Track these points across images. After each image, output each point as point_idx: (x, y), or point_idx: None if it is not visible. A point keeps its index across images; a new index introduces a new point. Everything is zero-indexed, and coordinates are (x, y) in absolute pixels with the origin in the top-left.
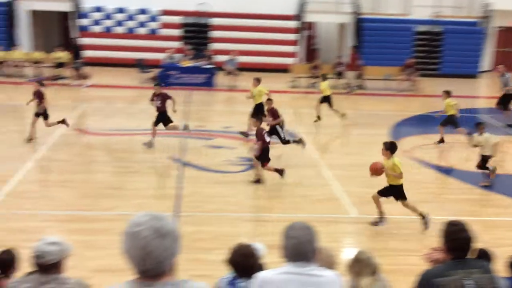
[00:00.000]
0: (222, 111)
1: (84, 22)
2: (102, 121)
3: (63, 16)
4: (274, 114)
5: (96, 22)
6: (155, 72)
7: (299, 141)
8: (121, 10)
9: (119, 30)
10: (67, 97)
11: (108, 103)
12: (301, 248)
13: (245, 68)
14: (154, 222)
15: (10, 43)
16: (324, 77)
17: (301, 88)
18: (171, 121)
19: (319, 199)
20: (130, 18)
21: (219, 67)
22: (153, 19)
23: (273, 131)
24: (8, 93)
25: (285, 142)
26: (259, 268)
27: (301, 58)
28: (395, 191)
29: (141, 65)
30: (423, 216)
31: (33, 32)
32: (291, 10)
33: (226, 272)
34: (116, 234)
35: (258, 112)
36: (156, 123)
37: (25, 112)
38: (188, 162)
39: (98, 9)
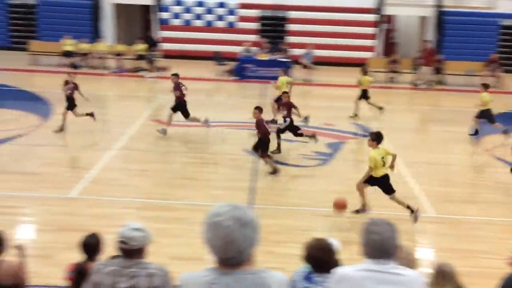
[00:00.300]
0: (297, 105)
1: (165, 15)
2: (179, 113)
3: (145, 10)
4: (289, 107)
5: (176, 16)
6: (231, 65)
7: (312, 136)
8: (200, 4)
9: (198, 23)
10: (146, 89)
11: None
12: (383, 245)
13: (321, 62)
14: (235, 212)
15: (95, 35)
16: (365, 71)
17: (378, 83)
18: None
19: None
20: (209, 11)
21: (295, 61)
22: (231, 12)
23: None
24: (92, 83)
25: (298, 134)
26: (335, 263)
27: (379, 52)
28: (378, 183)
29: (218, 58)
30: (412, 210)
31: (117, 25)
32: (370, 3)
33: (299, 266)
34: (190, 223)
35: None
36: (174, 110)
37: (107, 102)
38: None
39: (178, 3)
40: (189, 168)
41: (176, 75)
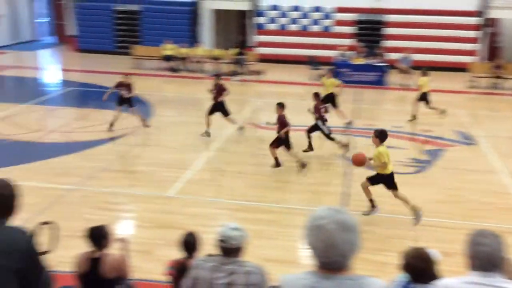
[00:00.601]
0: (393, 110)
1: (261, 20)
2: (273, 116)
3: (241, 15)
4: (317, 110)
5: (272, 20)
6: (326, 69)
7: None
8: (296, 8)
9: (293, 27)
10: (242, 92)
11: (279, 99)
12: (491, 257)
13: (419, 66)
14: (338, 216)
15: (194, 40)
16: (424, 73)
17: (480, 88)
18: (228, 113)
19: (498, 208)
20: (305, 16)
21: (392, 65)
22: (327, 16)
23: (316, 127)
24: (190, 87)
25: (329, 137)
26: (435, 274)
27: (482, 57)
28: (383, 180)
29: (313, 62)
30: (415, 210)
31: (214, 30)
32: (472, 6)
33: (395, 275)
34: (284, 226)
35: (327, 101)
36: (210, 113)
37: (205, 105)
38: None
39: (275, 8)
40: (283, 171)
41: (217, 75)
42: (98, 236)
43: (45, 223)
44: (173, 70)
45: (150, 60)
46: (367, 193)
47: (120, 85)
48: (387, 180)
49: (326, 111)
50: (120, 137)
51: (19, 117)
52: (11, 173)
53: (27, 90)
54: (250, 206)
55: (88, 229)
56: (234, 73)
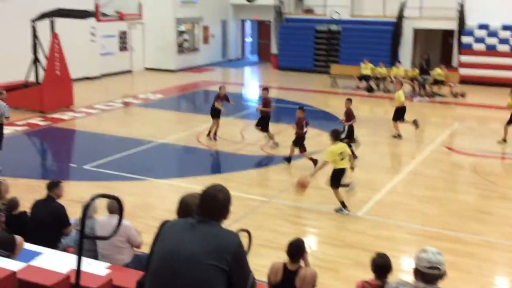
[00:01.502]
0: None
1: (467, 40)
2: (473, 141)
3: (444, 34)
4: (349, 115)
5: (479, 40)
6: None
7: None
8: (507, 28)
9: (502, 48)
10: (442, 115)
11: (481, 123)
12: None
13: None
14: None
15: (392, 60)
16: None
17: None
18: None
19: None
20: None
21: None
22: None
23: (349, 132)
24: (385, 107)
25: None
26: None
27: None
28: (336, 174)
29: None
30: (343, 205)
31: (413, 50)
32: None
33: None
34: (481, 260)
35: (398, 114)
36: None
37: (400, 126)
38: None
39: (483, 27)
40: (482, 201)
41: (265, 89)
42: (298, 249)
43: (242, 230)
44: (369, 89)
45: (347, 79)
46: (338, 195)
47: (218, 98)
48: (335, 175)
49: None
50: (313, 154)
51: (221, 129)
52: (213, 182)
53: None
54: (444, 234)
55: (289, 242)
56: (433, 95)
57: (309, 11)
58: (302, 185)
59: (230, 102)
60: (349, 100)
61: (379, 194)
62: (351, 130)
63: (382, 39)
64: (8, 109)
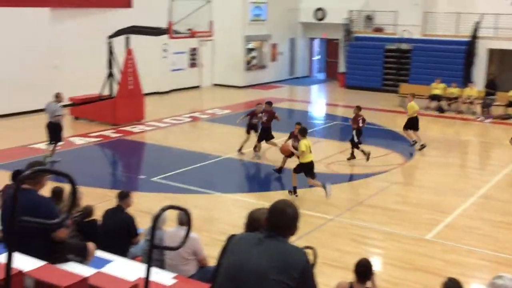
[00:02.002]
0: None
1: None
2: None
3: None
4: (356, 121)
5: None
6: None
7: (367, 155)
8: None
9: None
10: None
11: None
12: None
13: None
14: None
15: (465, 80)
16: None
17: None
18: (272, 137)
19: None
20: None
21: None
22: None
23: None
24: (456, 128)
25: (355, 145)
26: None
27: None
28: (304, 168)
29: None
30: (324, 187)
31: (487, 71)
32: None
33: None
34: None
35: (410, 123)
36: (259, 140)
37: (472, 148)
38: None
39: None
40: None
41: (269, 103)
42: (366, 269)
43: (307, 247)
44: (440, 110)
45: (417, 99)
46: (294, 180)
47: (254, 114)
48: (306, 168)
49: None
50: (380, 173)
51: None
52: (277, 198)
53: (296, 121)
54: None
55: (357, 262)
56: (507, 117)
57: (378, 30)
58: (285, 150)
59: (277, 118)
60: (358, 108)
61: (450, 217)
62: (358, 133)
63: (455, 59)
64: (61, 108)
